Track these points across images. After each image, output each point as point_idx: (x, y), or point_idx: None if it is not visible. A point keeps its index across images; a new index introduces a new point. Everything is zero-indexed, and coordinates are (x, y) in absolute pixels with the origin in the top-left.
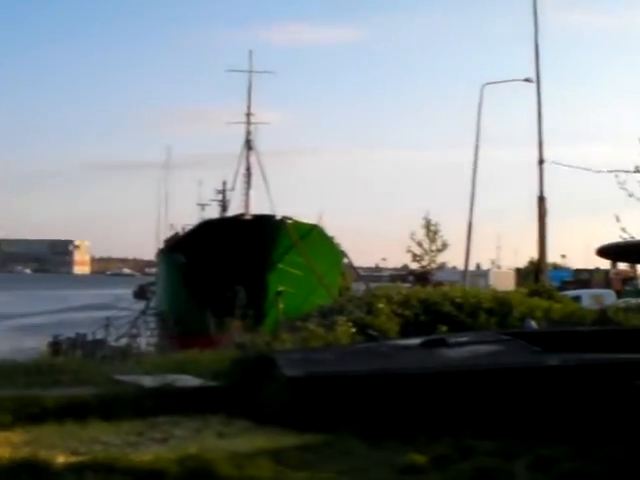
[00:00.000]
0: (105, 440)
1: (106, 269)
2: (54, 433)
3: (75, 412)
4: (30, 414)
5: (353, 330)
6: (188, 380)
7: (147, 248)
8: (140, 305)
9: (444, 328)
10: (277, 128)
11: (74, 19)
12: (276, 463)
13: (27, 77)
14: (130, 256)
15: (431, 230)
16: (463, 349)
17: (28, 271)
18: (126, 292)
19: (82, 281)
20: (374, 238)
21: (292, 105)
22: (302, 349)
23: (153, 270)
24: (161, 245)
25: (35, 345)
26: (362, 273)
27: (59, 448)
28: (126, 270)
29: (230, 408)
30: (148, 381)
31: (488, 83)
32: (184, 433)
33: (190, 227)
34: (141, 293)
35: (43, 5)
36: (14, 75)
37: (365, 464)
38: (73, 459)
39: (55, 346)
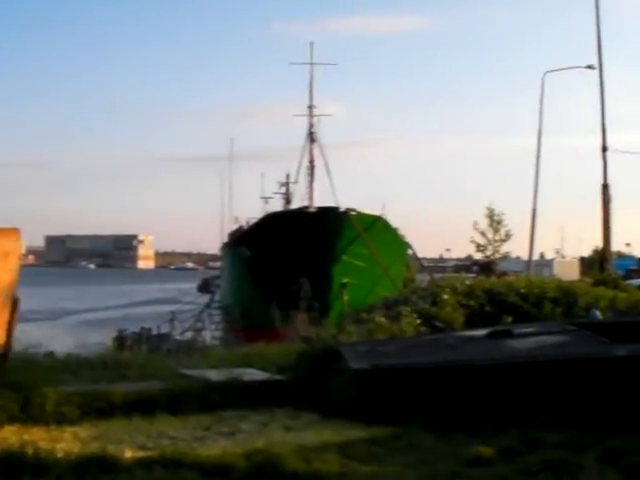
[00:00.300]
0: (173, 435)
1: (170, 263)
2: (122, 428)
3: (142, 407)
4: (98, 409)
5: (418, 321)
6: (254, 374)
7: (211, 242)
8: (204, 299)
9: (509, 319)
10: (341, 119)
11: (135, 15)
12: (343, 456)
13: (90, 73)
14: (194, 250)
15: (494, 220)
16: (529, 340)
17: (92, 266)
18: (190, 286)
19: (146, 276)
20: (438, 228)
21: (356, 96)
22: (368, 341)
23: (217, 264)
24: (225, 239)
25: (100, 340)
26: (426, 264)
27: (127, 443)
28: (189, 264)
29: (297, 401)
30: (215, 375)
31: (550, 71)
32: (251, 427)
33: (254, 220)
34: (205, 287)
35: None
36: (79, 71)
37: (431, 457)
38: (141, 454)
39: (120, 341)
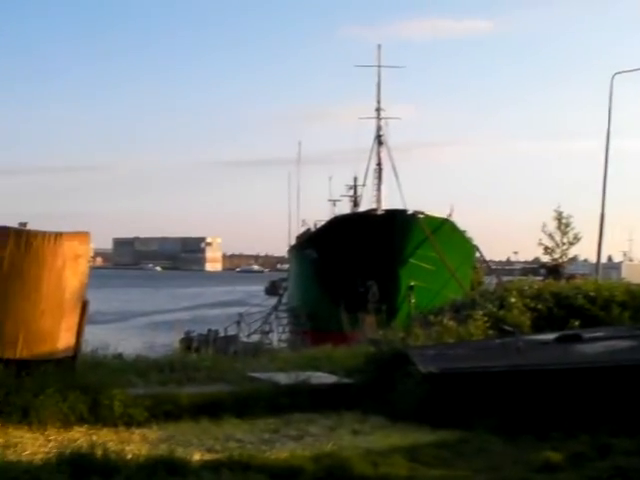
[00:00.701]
0: (240, 437)
1: (237, 266)
2: (189, 430)
3: (210, 410)
4: (166, 411)
5: (486, 324)
6: (323, 377)
7: (279, 244)
8: (272, 301)
9: (576, 322)
10: (409, 122)
11: (200, 20)
12: (411, 460)
13: (158, 78)
14: (262, 252)
15: (563, 223)
16: (598, 344)
17: (158, 268)
18: (258, 289)
19: (213, 278)
20: (505, 231)
21: (424, 99)
22: (436, 345)
23: (285, 266)
24: (293, 241)
25: (167, 342)
26: (493, 266)
27: (195, 445)
28: (255, 267)
29: (365, 405)
30: (283, 378)
31: (618, 72)
32: (319, 430)
33: (322, 223)
34: (273, 289)
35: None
36: (147, 74)
37: (500, 461)
38: (209, 457)
39: (187, 342)
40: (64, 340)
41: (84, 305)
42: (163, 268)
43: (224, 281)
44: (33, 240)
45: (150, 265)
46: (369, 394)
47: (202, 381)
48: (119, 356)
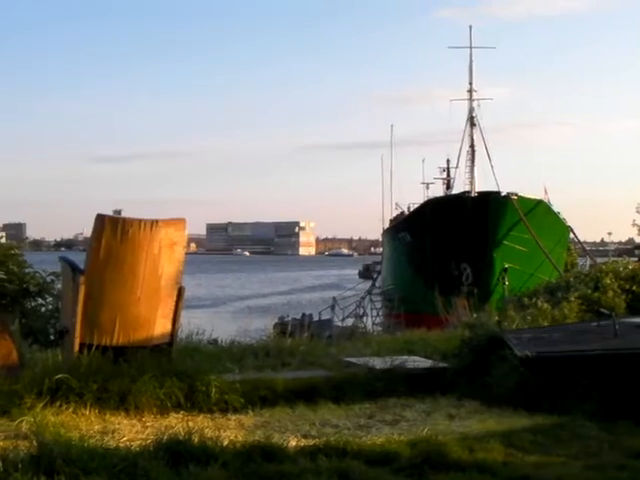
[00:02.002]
0: (336, 423)
1: (331, 249)
2: (285, 416)
3: (306, 395)
4: (261, 397)
5: (581, 307)
6: (418, 361)
7: (372, 227)
8: (366, 285)
9: None
10: (504, 103)
11: (302, 16)
12: (507, 446)
13: (254, 64)
14: (355, 236)
15: None
16: None
17: (246, 253)
18: (352, 272)
19: (307, 262)
20: (599, 211)
21: (520, 79)
22: (532, 328)
23: (378, 250)
24: (386, 225)
25: (261, 326)
26: (587, 248)
27: (291, 431)
28: (344, 250)
29: (460, 389)
30: (378, 363)
31: None
32: (414, 415)
33: (415, 206)
34: (366, 273)
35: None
36: (241, 64)
37: (597, 447)
38: (305, 442)
39: (281, 327)
40: (160, 327)
41: (180, 291)
42: (256, 253)
43: (317, 265)
44: (129, 228)
45: (238, 250)
46: (464, 378)
47: (297, 366)
48: (214, 342)
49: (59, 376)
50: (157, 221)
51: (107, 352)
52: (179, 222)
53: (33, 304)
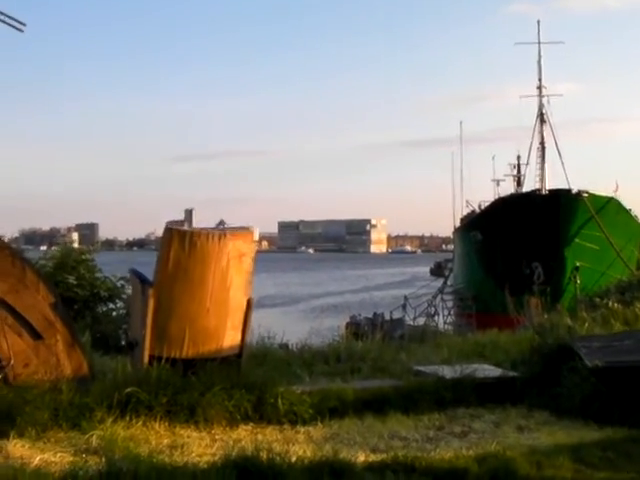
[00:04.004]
0: (405, 435)
1: (395, 247)
2: (354, 427)
3: (375, 405)
4: (330, 408)
5: None
6: (487, 370)
7: (444, 224)
8: (437, 283)
9: None
10: (577, 97)
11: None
12: (575, 461)
13: (320, 63)
14: (427, 233)
15: None
16: None
17: (311, 251)
18: (423, 270)
19: (378, 260)
20: None
21: (592, 74)
22: (603, 335)
23: (449, 247)
24: (457, 221)
25: (333, 325)
26: None
27: (359, 444)
28: (407, 247)
29: (530, 399)
30: (448, 372)
31: None
32: (483, 427)
33: (486, 204)
34: (438, 270)
35: None
36: (316, 64)
37: None
38: (373, 457)
39: (353, 327)
40: (229, 338)
41: (249, 303)
42: (327, 251)
43: (388, 263)
44: (197, 240)
45: (303, 248)
46: (534, 388)
47: (367, 373)
48: (285, 346)
49: (129, 389)
50: (225, 233)
51: (176, 364)
52: (247, 234)
53: (104, 309)
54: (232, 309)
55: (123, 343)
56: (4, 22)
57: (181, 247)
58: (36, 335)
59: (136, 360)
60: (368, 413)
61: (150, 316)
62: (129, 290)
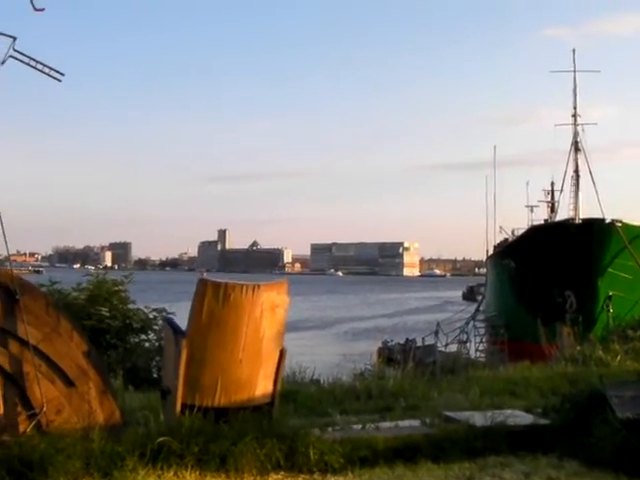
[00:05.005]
0: None
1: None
2: (384, 477)
3: (405, 453)
4: (361, 457)
5: None
6: (519, 417)
7: (477, 248)
8: (470, 307)
9: None
10: (610, 122)
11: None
12: None
13: (350, 85)
14: (459, 257)
15: None
16: None
17: (340, 273)
18: (456, 294)
19: (410, 283)
20: None
21: (630, 97)
22: (636, 382)
23: (482, 270)
24: (489, 246)
25: (365, 350)
26: None
27: None
28: (437, 271)
29: (561, 448)
30: (478, 419)
31: None
32: (513, 477)
33: (519, 231)
34: (470, 295)
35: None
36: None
37: None
38: None
39: (385, 352)
40: (262, 388)
41: (282, 353)
42: (360, 274)
43: (421, 286)
44: (231, 292)
45: (332, 270)
46: (565, 436)
47: (399, 412)
48: (316, 381)
49: (161, 439)
50: (259, 285)
51: (208, 413)
52: (281, 285)
53: (136, 340)
54: (265, 359)
55: (155, 376)
56: (43, 72)
57: (215, 299)
58: (69, 382)
59: (169, 408)
60: (399, 462)
61: (183, 366)
62: (161, 321)
